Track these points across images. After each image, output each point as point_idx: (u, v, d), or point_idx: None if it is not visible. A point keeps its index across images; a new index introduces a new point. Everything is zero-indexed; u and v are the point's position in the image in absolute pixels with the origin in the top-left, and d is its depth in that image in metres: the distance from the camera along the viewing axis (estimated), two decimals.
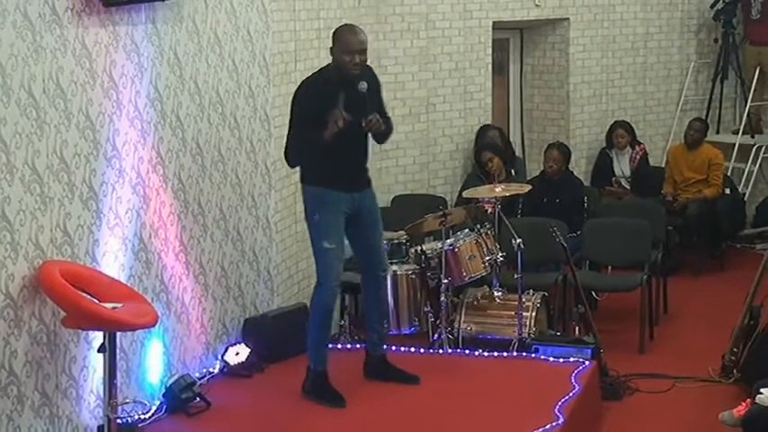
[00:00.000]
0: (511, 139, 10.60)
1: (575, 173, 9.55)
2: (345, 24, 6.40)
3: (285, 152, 6.24)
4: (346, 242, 6.34)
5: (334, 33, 6.18)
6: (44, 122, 5.21)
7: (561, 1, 10.25)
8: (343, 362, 6.65)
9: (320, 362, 6.29)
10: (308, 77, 6.34)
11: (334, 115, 5.90)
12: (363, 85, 6.04)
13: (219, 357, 6.77)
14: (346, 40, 6.06)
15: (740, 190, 10.57)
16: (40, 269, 5.14)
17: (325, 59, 7.92)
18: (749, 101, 10.75)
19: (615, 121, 10.38)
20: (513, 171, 9.35)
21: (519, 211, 8.98)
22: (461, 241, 7.42)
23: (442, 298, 7.24)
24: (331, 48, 6.16)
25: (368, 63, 6.25)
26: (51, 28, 5.25)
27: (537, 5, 10.12)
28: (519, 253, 7.32)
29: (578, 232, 8.55)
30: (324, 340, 6.31)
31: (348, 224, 6.24)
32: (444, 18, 9.53)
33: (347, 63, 6.04)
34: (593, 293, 8.52)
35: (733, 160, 10.68)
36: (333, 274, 6.20)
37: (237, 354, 6.73)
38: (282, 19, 7.45)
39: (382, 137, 6.40)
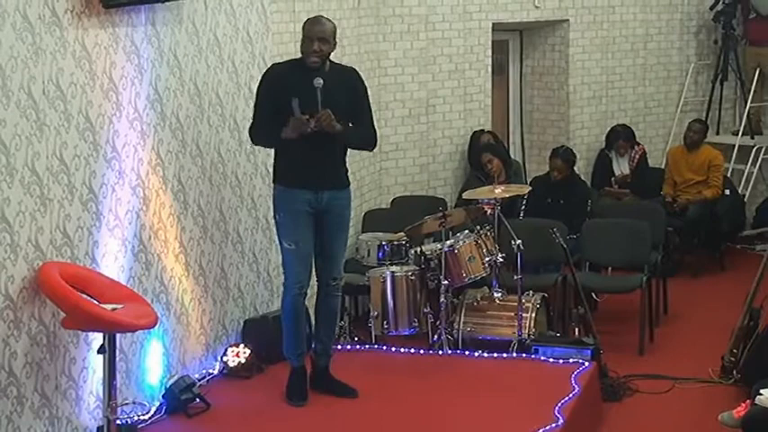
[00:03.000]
0: (510, 142, 10.62)
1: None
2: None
3: (250, 130, 6.27)
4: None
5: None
6: (44, 124, 5.22)
7: (561, 2, 10.26)
8: (344, 362, 6.65)
9: (294, 358, 6.31)
10: (276, 63, 6.44)
11: (298, 122, 5.93)
12: (319, 81, 5.96)
13: (219, 358, 6.78)
14: (307, 28, 6.08)
15: (740, 191, 10.57)
16: (40, 270, 5.15)
17: None
18: (749, 102, 10.76)
19: (616, 129, 10.36)
20: (511, 174, 9.34)
21: (522, 212, 8.98)
22: (461, 242, 7.42)
23: (442, 299, 7.24)
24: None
25: (354, 67, 6.38)
26: (51, 30, 5.25)
27: (536, 7, 10.12)
28: (519, 254, 7.32)
29: (578, 234, 8.56)
30: (296, 340, 6.27)
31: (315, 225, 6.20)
32: (444, 20, 9.54)
33: (307, 50, 6.04)
34: (593, 294, 8.53)
35: (733, 161, 10.68)
36: (293, 274, 6.16)
37: (237, 355, 6.74)
38: (282, 20, 7.45)
39: (353, 143, 6.31)
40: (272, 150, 6.36)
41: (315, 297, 6.40)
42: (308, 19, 6.20)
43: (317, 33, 6.02)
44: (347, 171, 6.32)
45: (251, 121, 6.32)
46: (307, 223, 6.14)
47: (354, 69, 6.42)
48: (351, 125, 6.17)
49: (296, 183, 6.12)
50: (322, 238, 6.23)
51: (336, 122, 5.98)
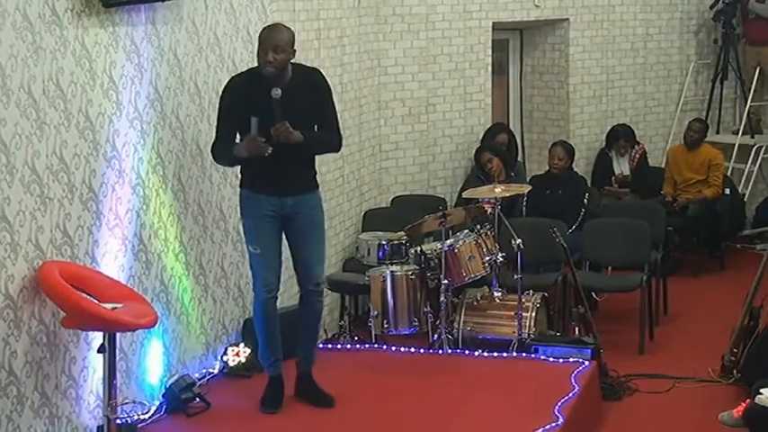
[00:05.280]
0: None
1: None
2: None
3: (212, 148, 6.13)
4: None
5: None
6: (44, 123, 5.22)
7: (561, 1, 10.26)
8: (344, 362, 6.65)
9: (268, 366, 6.24)
10: (236, 74, 6.25)
11: (254, 144, 5.81)
12: (277, 92, 5.80)
13: (219, 358, 6.78)
14: (261, 37, 5.89)
15: (740, 190, 10.58)
16: (40, 270, 5.15)
17: (326, 60, 7.94)
18: (749, 101, 10.76)
19: (616, 129, 10.36)
20: (512, 173, 9.34)
21: (522, 209, 8.99)
22: (461, 242, 7.42)
23: (442, 298, 7.24)
24: None
25: (316, 67, 6.21)
26: (51, 29, 5.25)
27: (537, 6, 10.13)
28: (519, 253, 7.32)
29: (574, 227, 8.57)
30: (268, 346, 6.20)
31: (284, 230, 6.15)
32: (444, 19, 9.54)
33: (262, 59, 5.85)
34: (593, 294, 8.53)
35: (733, 160, 10.69)
36: (259, 280, 6.12)
37: (237, 354, 6.74)
38: (282, 19, 7.43)
39: (316, 149, 6.16)
40: None
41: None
42: (264, 27, 6.06)
43: (273, 42, 5.82)
44: (315, 174, 6.22)
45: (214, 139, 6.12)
46: (272, 228, 6.08)
47: (317, 70, 6.25)
48: (316, 129, 6.06)
49: (260, 189, 6.05)
50: (294, 244, 6.20)
51: (295, 132, 5.84)
